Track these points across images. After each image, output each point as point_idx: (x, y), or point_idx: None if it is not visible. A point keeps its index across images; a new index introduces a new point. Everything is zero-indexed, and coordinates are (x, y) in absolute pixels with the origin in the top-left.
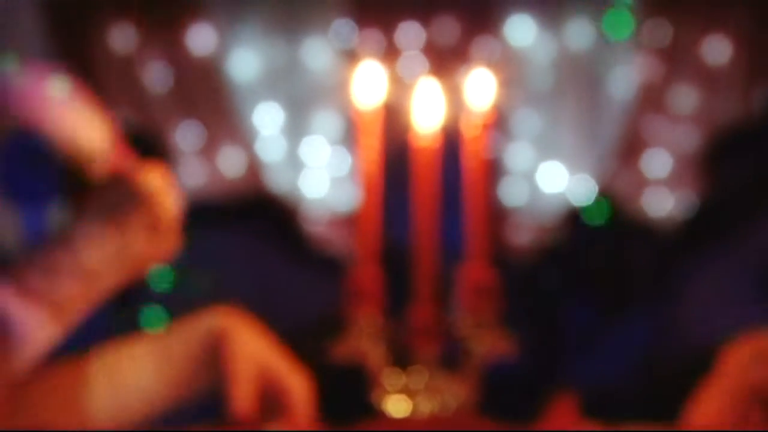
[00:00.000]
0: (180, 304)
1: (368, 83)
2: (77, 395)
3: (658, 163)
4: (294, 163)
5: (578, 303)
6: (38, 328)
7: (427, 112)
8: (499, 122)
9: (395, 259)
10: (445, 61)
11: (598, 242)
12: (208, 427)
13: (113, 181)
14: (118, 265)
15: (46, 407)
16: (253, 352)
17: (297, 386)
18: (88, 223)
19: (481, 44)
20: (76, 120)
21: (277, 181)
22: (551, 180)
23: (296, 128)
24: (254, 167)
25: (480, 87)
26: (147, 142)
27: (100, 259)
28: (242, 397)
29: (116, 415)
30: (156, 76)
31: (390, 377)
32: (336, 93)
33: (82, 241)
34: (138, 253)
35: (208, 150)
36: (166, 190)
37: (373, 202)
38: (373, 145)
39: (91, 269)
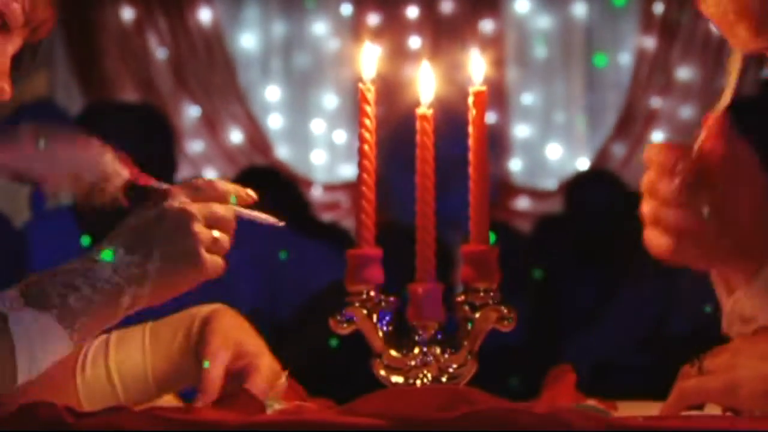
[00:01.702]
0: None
1: (369, 59)
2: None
3: (657, 136)
4: (297, 134)
5: (579, 276)
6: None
7: (428, 88)
8: (502, 97)
9: (398, 235)
10: (447, 37)
11: (600, 214)
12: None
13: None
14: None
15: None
16: (231, 336)
17: (264, 371)
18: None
19: (483, 21)
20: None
21: (280, 153)
22: (552, 152)
23: (299, 102)
24: (258, 139)
25: (481, 63)
26: (152, 118)
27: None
28: (215, 376)
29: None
30: (162, 50)
31: (391, 351)
32: (338, 68)
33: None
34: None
35: (213, 123)
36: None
37: (371, 174)
38: (371, 119)
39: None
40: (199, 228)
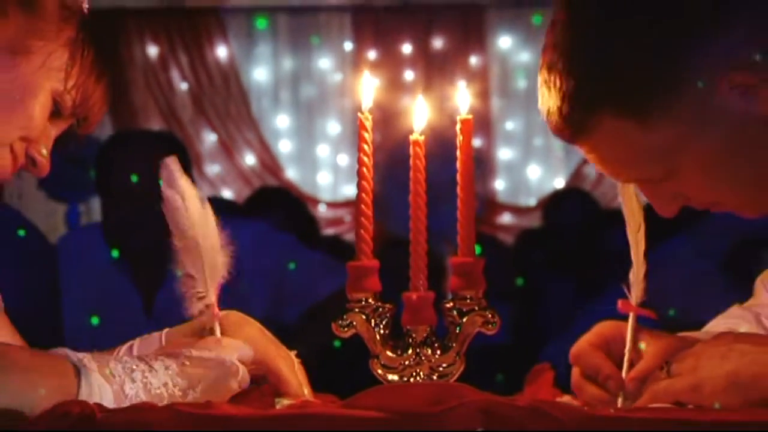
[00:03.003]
0: None
1: (367, 91)
2: None
3: None
4: (304, 158)
5: (557, 284)
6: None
7: (421, 117)
8: (487, 124)
9: (394, 248)
10: (438, 71)
11: (575, 228)
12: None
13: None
14: None
15: None
16: (249, 338)
17: (285, 371)
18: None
19: (469, 57)
20: None
21: (289, 174)
22: (532, 172)
23: (306, 129)
24: (269, 162)
25: (467, 95)
26: (173, 143)
27: None
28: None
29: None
30: (183, 83)
31: (387, 352)
32: (341, 98)
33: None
34: None
35: (229, 147)
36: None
37: (369, 194)
38: (369, 144)
39: None
40: (236, 385)
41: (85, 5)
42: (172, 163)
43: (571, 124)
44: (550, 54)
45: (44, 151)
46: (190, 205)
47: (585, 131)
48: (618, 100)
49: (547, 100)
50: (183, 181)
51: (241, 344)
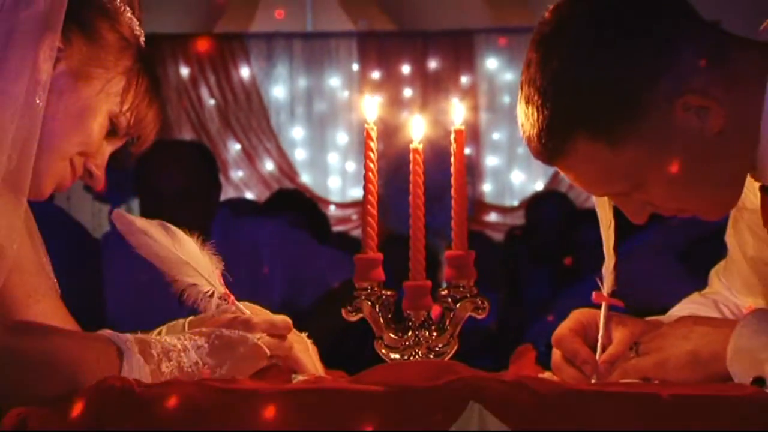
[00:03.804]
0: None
1: (372, 106)
2: None
3: None
4: (317, 165)
5: (537, 274)
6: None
7: (419, 129)
8: (477, 135)
9: (396, 243)
10: (433, 89)
11: (553, 225)
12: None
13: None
14: None
15: None
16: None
17: (301, 355)
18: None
19: (460, 77)
20: None
21: (304, 179)
22: (516, 177)
23: (318, 139)
24: (286, 168)
25: (460, 109)
26: (202, 151)
27: None
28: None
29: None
30: (211, 99)
31: (390, 334)
32: (348, 113)
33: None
34: None
35: (251, 155)
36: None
37: (374, 196)
38: (374, 152)
39: None
40: (261, 362)
41: (142, 39)
42: (120, 216)
43: (549, 150)
44: (526, 89)
45: (100, 165)
46: (154, 234)
47: (561, 155)
48: (589, 127)
49: (527, 129)
50: (138, 222)
51: (271, 315)
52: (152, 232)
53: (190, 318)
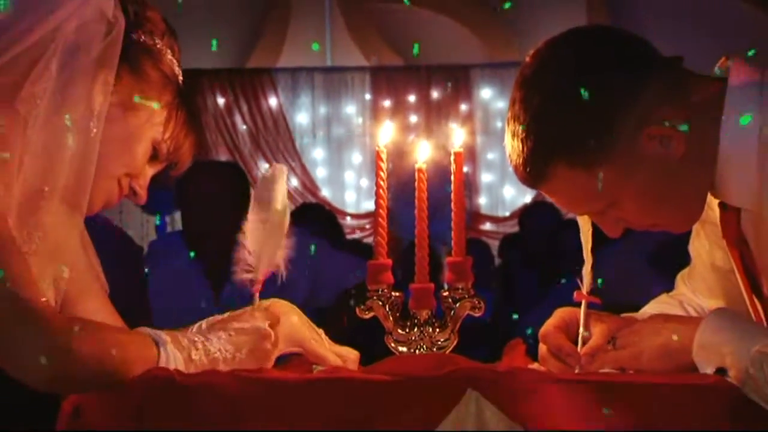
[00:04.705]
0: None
1: (383, 131)
2: None
3: None
4: (335, 181)
5: (527, 276)
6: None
7: (423, 151)
8: (473, 155)
9: (402, 250)
10: (435, 115)
11: (540, 232)
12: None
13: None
14: None
15: None
16: (291, 325)
17: (319, 349)
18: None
19: (461, 104)
20: None
21: (324, 193)
22: (507, 191)
23: (336, 159)
24: (309, 184)
25: (459, 133)
26: (236, 171)
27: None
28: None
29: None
30: (244, 125)
31: (398, 329)
32: (363, 137)
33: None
34: None
35: None
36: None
37: (384, 209)
38: (384, 171)
39: None
40: (269, 345)
41: (180, 78)
42: (277, 170)
43: (533, 176)
44: (512, 125)
45: (143, 186)
46: (279, 186)
47: (544, 180)
48: (568, 156)
49: (514, 159)
50: (281, 183)
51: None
52: (280, 181)
53: (228, 314)
